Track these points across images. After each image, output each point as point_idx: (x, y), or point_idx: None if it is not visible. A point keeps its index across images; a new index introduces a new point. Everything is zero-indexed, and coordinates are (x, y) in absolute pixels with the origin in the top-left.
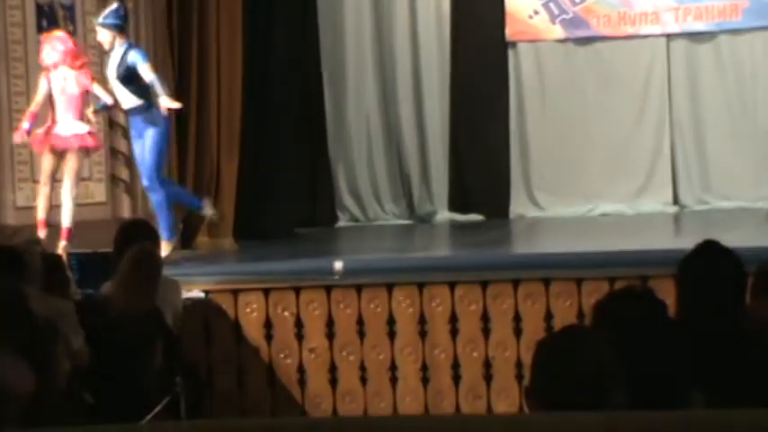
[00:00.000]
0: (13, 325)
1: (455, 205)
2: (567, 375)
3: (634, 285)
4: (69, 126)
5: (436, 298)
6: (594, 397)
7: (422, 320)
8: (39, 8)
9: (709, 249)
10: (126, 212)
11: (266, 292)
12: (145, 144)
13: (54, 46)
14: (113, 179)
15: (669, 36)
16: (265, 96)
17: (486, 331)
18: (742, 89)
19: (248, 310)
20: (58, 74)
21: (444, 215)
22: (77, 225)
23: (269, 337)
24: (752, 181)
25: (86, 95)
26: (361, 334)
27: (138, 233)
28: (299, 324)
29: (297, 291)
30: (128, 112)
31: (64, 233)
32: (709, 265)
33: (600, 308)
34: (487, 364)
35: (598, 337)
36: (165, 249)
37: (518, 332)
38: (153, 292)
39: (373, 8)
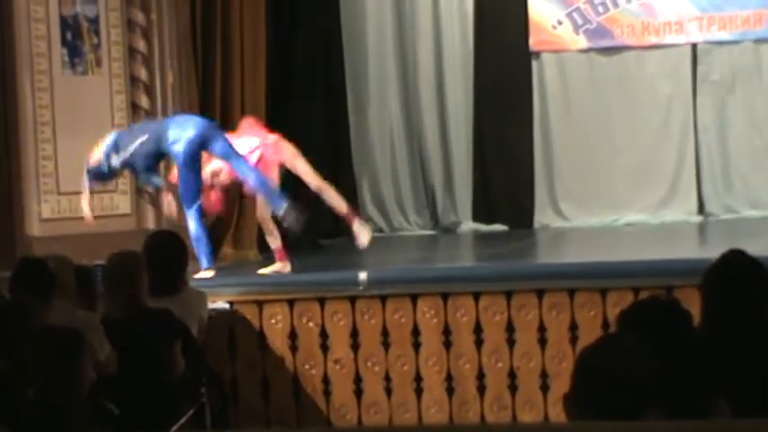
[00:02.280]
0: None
1: (479, 215)
2: (610, 383)
3: (658, 295)
4: None
5: (461, 308)
6: (634, 406)
7: (446, 331)
8: (63, 21)
9: (735, 259)
10: (151, 224)
11: (291, 303)
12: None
13: None
14: (138, 191)
15: (693, 45)
16: (289, 109)
17: (510, 342)
18: (767, 98)
19: (273, 321)
20: None
21: (468, 225)
22: (102, 237)
23: (294, 348)
24: None
25: None
26: (386, 345)
27: (162, 244)
28: (323, 335)
29: (321, 302)
30: None
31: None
32: (734, 275)
33: (625, 317)
34: (512, 375)
35: (641, 346)
36: (205, 274)
37: (543, 342)
38: (137, 297)
39: (396, 19)
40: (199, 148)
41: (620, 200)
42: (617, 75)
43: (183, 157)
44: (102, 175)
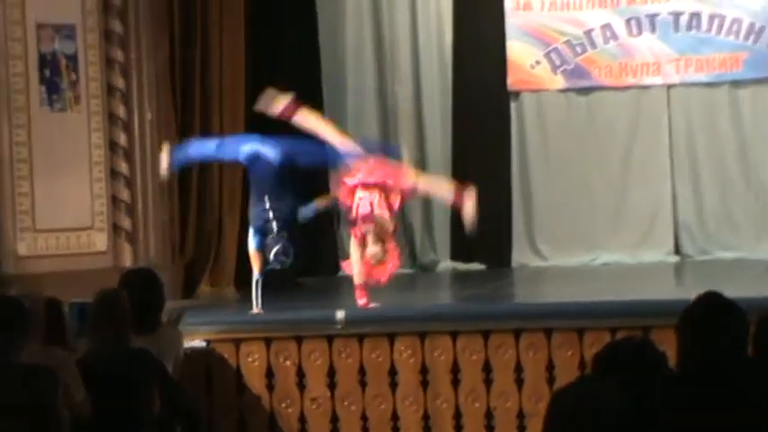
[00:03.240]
0: None
1: (457, 254)
2: (582, 425)
3: (634, 336)
4: None
5: (438, 348)
6: None
7: (423, 370)
8: (41, 58)
9: (711, 300)
10: (128, 262)
11: (268, 341)
12: None
13: None
14: (115, 228)
15: (670, 86)
16: None
17: (487, 381)
18: (743, 140)
19: (250, 359)
20: None
21: (447, 264)
22: (78, 274)
23: (270, 387)
24: (753, 231)
25: None
26: (363, 384)
27: (139, 282)
28: (300, 374)
29: (299, 340)
30: None
31: None
32: (709, 316)
33: (599, 359)
34: (489, 415)
35: (615, 388)
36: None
37: (520, 383)
38: (124, 335)
39: (375, 59)
40: None
41: (598, 240)
42: (595, 115)
43: None
44: None
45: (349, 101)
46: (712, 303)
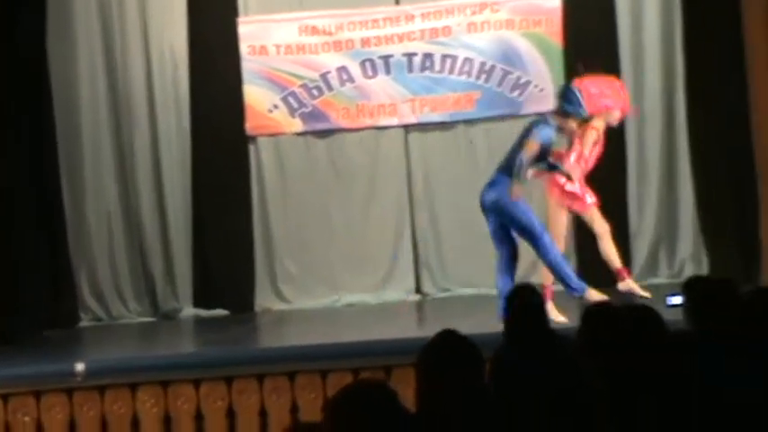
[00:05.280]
0: None
1: (200, 301)
2: None
3: (365, 379)
4: None
5: (181, 396)
6: None
7: (167, 420)
8: None
9: (446, 338)
10: None
11: (5, 397)
12: None
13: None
14: None
15: (407, 127)
16: (2, 200)
17: (232, 427)
18: (478, 176)
19: None
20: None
21: (189, 311)
22: None
23: None
24: (489, 267)
25: None
26: None
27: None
28: (39, 429)
29: (37, 395)
30: None
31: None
32: (445, 354)
33: (331, 406)
34: None
35: None
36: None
37: (264, 427)
38: None
39: (111, 106)
40: None
41: (340, 280)
42: (333, 157)
43: None
44: None
45: (85, 150)
46: (448, 341)
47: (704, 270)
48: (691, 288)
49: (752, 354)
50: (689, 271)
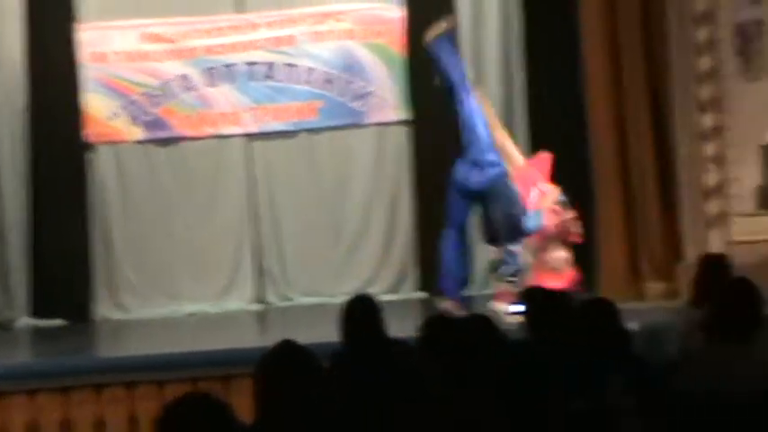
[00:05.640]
0: None
1: (37, 310)
2: None
3: (192, 393)
4: None
5: (14, 407)
6: None
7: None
8: None
9: (284, 348)
10: None
11: None
12: None
13: None
14: None
15: (249, 136)
16: None
17: None
18: (321, 186)
19: None
20: None
21: (26, 321)
22: None
23: None
24: (332, 276)
25: None
26: None
27: None
28: None
29: None
30: None
31: None
32: (283, 364)
33: (160, 422)
34: None
35: None
36: None
37: None
38: None
39: None
40: None
41: (182, 290)
42: (175, 165)
43: None
44: None
45: None
46: (284, 351)
47: None
48: (529, 298)
49: (582, 360)
50: None
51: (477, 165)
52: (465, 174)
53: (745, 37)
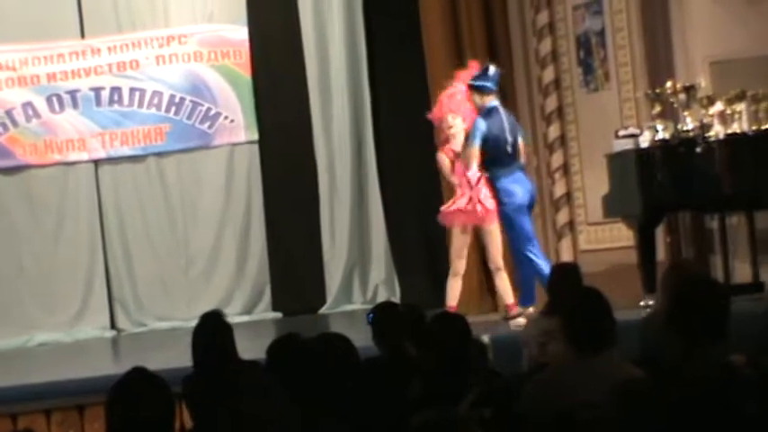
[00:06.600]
0: None
1: None
2: None
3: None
4: None
5: None
6: None
7: None
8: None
9: (134, 376)
10: None
11: None
12: None
13: None
14: None
15: (97, 162)
16: None
17: None
18: (172, 209)
19: None
20: None
21: None
22: None
23: None
24: (186, 300)
25: None
26: None
27: None
28: None
29: None
30: None
31: None
32: (133, 392)
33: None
34: None
35: None
36: None
37: None
38: None
39: None
40: None
41: (32, 320)
42: (21, 194)
43: None
44: None
45: None
46: (136, 379)
47: (397, 295)
48: (379, 313)
49: (438, 373)
50: (382, 296)
51: (522, 169)
52: (529, 186)
53: (587, 48)
